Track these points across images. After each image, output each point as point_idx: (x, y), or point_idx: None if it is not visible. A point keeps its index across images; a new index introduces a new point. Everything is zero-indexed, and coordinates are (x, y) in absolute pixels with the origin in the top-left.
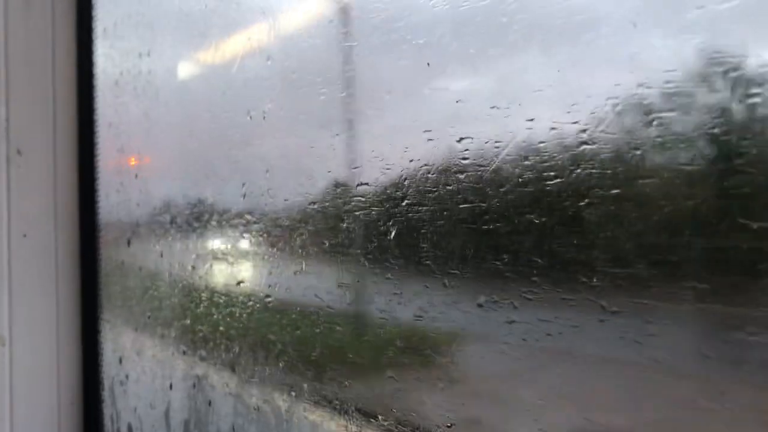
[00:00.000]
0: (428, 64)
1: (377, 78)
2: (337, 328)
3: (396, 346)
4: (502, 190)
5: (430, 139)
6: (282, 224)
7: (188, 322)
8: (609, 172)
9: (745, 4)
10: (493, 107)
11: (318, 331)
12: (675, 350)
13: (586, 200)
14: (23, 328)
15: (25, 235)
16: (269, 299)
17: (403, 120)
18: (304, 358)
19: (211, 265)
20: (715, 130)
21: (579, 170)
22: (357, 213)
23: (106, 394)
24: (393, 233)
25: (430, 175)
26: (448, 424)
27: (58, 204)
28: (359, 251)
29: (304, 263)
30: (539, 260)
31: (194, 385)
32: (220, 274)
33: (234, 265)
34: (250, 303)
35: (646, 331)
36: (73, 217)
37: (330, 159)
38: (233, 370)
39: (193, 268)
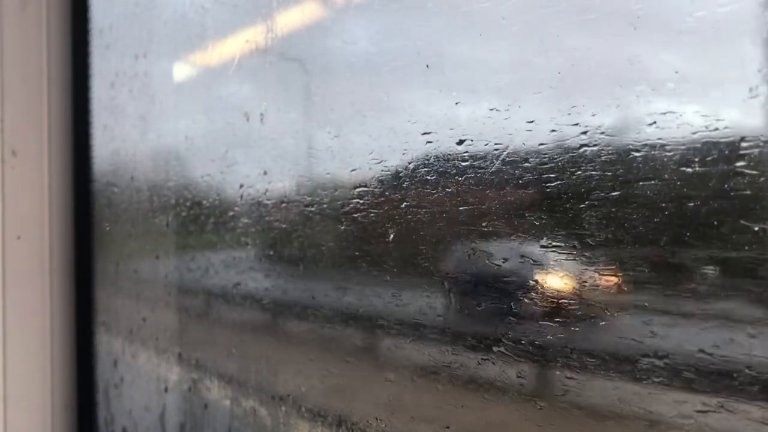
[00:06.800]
0: None
1: None
2: None
3: None
4: None
5: None
6: None
7: None
8: None
9: None
10: None
11: None
12: None
13: None
14: (17, 330)
15: (19, 237)
16: None
17: None
18: None
19: None
20: None
21: None
22: None
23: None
24: None
25: None
26: (446, 426)
27: (53, 206)
28: None
29: None
30: None
31: None
32: None
33: None
34: None
35: None
36: (68, 219)
37: None
38: None
39: None
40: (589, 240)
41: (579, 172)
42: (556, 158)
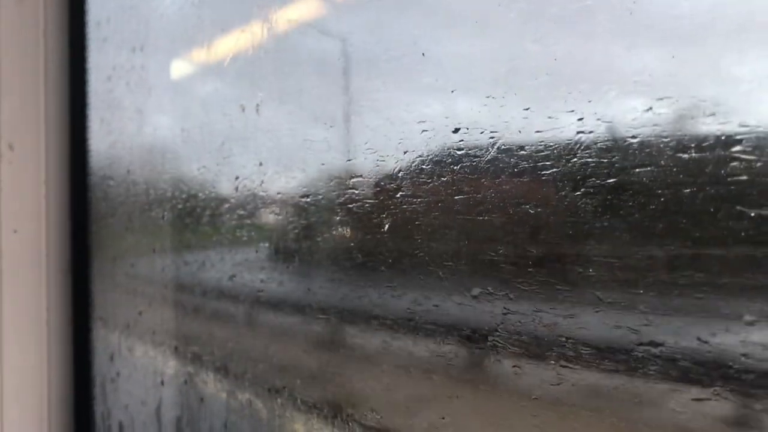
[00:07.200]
0: None
1: None
2: None
3: None
4: None
5: None
6: None
7: None
8: None
9: None
10: None
11: None
12: None
13: None
14: (13, 325)
15: (15, 231)
16: None
17: None
18: None
19: None
20: None
21: None
22: None
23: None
24: None
25: None
26: (442, 417)
27: (50, 200)
28: None
29: None
30: None
31: None
32: None
33: None
34: None
35: None
36: (65, 212)
37: None
38: None
39: None
40: None
41: None
42: None
